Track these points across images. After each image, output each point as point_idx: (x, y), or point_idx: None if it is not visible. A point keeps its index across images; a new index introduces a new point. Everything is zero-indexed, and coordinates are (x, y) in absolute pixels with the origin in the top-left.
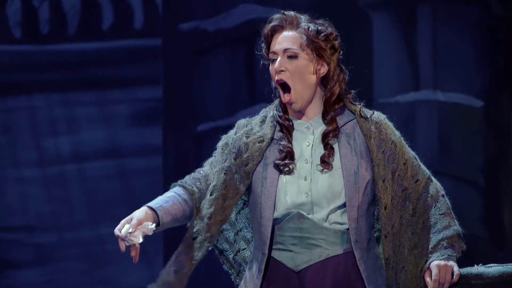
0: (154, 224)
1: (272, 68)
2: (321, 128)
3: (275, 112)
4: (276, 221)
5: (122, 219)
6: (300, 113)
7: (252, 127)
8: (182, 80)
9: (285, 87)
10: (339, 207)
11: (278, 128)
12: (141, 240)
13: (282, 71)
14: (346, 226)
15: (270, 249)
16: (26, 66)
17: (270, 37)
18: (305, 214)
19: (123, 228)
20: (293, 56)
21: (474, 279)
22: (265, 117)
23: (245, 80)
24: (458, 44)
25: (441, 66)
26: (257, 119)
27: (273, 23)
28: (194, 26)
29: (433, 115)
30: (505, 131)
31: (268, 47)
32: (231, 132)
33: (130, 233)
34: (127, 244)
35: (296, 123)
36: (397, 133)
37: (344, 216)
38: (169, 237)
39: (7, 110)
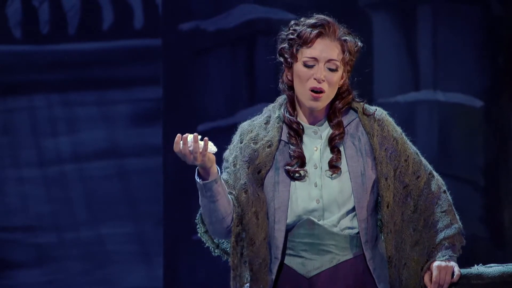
0: (214, 149)
1: (308, 72)
2: (327, 131)
3: (282, 112)
4: (287, 227)
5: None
6: (308, 117)
7: (257, 131)
8: (182, 80)
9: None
10: (349, 211)
11: (285, 129)
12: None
13: (323, 81)
14: (356, 230)
15: (283, 254)
16: (26, 66)
17: (312, 41)
18: (315, 220)
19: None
20: (334, 69)
21: (474, 279)
22: (269, 117)
23: (245, 80)
24: (458, 44)
25: (441, 66)
26: (260, 120)
27: (318, 29)
28: (194, 26)
29: (433, 115)
30: (505, 131)
31: (298, 46)
32: (236, 140)
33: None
34: (188, 148)
35: (305, 127)
36: (398, 129)
37: (354, 220)
38: (169, 238)
39: (7, 110)
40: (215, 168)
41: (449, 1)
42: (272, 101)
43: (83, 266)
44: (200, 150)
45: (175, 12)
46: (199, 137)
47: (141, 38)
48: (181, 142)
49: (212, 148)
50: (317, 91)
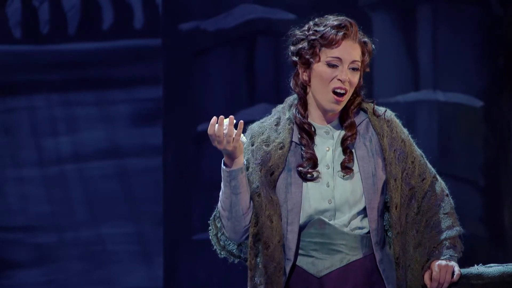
0: (245, 139)
1: (332, 73)
2: (339, 131)
3: (293, 113)
4: (299, 227)
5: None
6: (321, 118)
7: (268, 133)
8: (182, 80)
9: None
10: (360, 212)
11: (296, 130)
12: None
13: (346, 81)
14: (365, 231)
15: (295, 254)
16: (26, 66)
17: (338, 42)
18: (326, 220)
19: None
20: (356, 69)
21: (474, 279)
22: (279, 118)
23: (245, 80)
24: (458, 44)
25: (441, 66)
26: (269, 121)
27: (344, 30)
28: (194, 26)
29: (433, 115)
30: (505, 131)
31: (321, 46)
32: (245, 142)
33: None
34: (223, 131)
35: (316, 127)
36: (405, 131)
37: (364, 220)
38: (169, 238)
39: (7, 110)
40: (242, 158)
41: (449, 1)
42: (272, 101)
43: (83, 266)
44: (234, 134)
45: (175, 12)
46: (234, 122)
47: (141, 38)
48: (217, 124)
49: (242, 137)
50: (340, 93)
